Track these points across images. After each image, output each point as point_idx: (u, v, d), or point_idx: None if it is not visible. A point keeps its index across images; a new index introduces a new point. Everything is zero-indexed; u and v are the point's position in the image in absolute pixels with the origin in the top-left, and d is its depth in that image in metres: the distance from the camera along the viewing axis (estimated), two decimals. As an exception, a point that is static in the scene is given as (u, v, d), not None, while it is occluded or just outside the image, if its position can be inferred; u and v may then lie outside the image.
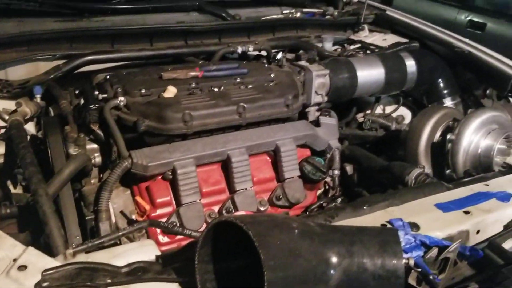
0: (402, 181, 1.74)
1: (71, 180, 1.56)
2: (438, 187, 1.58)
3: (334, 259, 1.01)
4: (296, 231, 1.00)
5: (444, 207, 1.45)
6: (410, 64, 2.33)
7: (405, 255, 1.13)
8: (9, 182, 1.78)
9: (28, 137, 1.74)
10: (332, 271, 1.00)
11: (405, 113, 2.54)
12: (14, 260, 1.07)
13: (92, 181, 1.69)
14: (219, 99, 1.77)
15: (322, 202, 1.85)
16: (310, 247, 0.99)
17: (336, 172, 1.96)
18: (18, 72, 2.12)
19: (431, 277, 1.13)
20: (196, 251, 1.02)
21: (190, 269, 1.06)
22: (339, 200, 1.87)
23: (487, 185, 1.62)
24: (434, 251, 1.22)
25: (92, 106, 1.70)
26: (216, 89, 1.83)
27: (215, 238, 1.05)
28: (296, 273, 0.95)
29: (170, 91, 1.75)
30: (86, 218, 1.54)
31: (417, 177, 1.72)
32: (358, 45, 2.75)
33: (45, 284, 1.00)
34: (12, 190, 1.77)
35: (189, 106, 1.69)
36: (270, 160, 1.82)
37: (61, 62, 2.11)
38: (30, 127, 1.92)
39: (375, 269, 1.01)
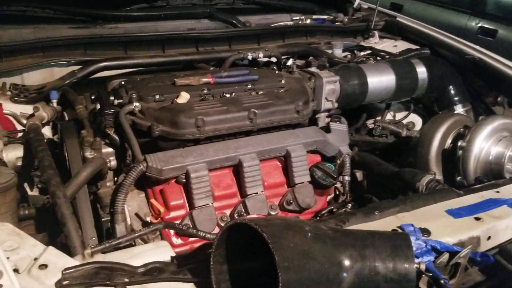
0: (413, 188, 1.75)
1: (87, 183, 1.60)
2: (449, 194, 1.58)
3: (346, 262, 1.03)
4: (309, 234, 1.02)
5: (455, 213, 1.46)
6: (421, 71, 2.34)
7: (416, 260, 1.14)
8: (25, 185, 1.82)
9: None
10: (344, 274, 1.02)
11: (416, 120, 2.54)
12: (35, 259, 1.10)
13: (108, 184, 1.72)
14: (231, 105, 1.80)
15: (332, 207, 1.86)
16: (323, 250, 1.01)
17: (347, 178, 1.97)
18: (33, 78, 2.17)
19: (442, 281, 1.14)
20: (212, 252, 1.04)
21: (204, 270, 1.08)
22: (349, 205, 1.88)
23: (498, 192, 1.62)
24: (445, 256, 1.23)
25: (107, 111, 1.74)
26: (227, 95, 1.86)
27: (229, 240, 1.07)
28: (309, 275, 0.97)
29: (183, 97, 1.78)
30: (102, 219, 1.57)
31: (428, 184, 1.73)
32: (368, 51, 2.77)
33: (65, 282, 1.02)
34: (29, 192, 1.81)
35: (201, 111, 1.72)
36: (280, 166, 1.84)
37: (76, 68, 2.16)
38: (46, 131, 1.96)
39: (386, 272, 1.03)
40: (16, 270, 1.07)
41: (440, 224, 1.39)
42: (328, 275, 1.00)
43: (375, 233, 1.13)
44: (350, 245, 1.05)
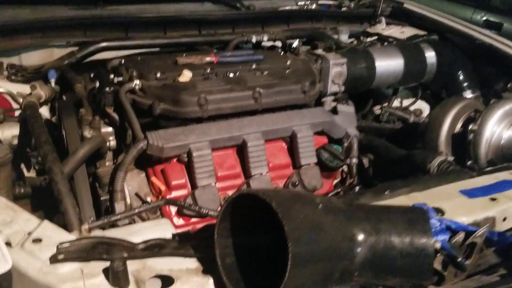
0: (424, 169, 1.69)
1: (86, 163, 1.54)
2: (462, 175, 1.52)
3: (360, 236, 0.96)
4: (320, 205, 0.95)
5: (470, 193, 1.40)
6: (430, 55, 2.28)
7: (430, 239, 1.08)
8: (22, 166, 1.76)
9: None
10: (358, 249, 0.95)
11: (423, 107, 2.48)
12: (29, 233, 1.04)
13: (107, 163, 1.66)
14: (235, 84, 1.74)
15: (339, 190, 1.80)
16: (335, 223, 0.95)
17: (354, 160, 1.91)
18: (32, 58, 2.12)
19: (459, 259, 1.07)
20: (216, 226, 0.98)
21: (207, 247, 1.02)
22: (356, 188, 1.82)
23: (513, 174, 1.56)
24: (460, 236, 1.17)
25: (107, 89, 1.68)
26: (231, 75, 1.80)
27: (234, 214, 1.01)
28: (320, 249, 0.91)
29: (186, 75, 1.72)
30: (101, 199, 1.51)
31: (440, 165, 1.67)
32: (375, 37, 2.70)
33: (60, 256, 0.96)
34: (26, 174, 1.75)
35: (204, 90, 1.66)
36: (286, 147, 1.78)
37: (75, 49, 2.10)
38: (44, 112, 1.90)
39: (403, 247, 0.96)
40: (8, 244, 1.01)
41: (454, 204, 1.33)
42: (340, 249, 0.94)
43: (390, 207, 1.07)
44: (363, 218, 0.98)
